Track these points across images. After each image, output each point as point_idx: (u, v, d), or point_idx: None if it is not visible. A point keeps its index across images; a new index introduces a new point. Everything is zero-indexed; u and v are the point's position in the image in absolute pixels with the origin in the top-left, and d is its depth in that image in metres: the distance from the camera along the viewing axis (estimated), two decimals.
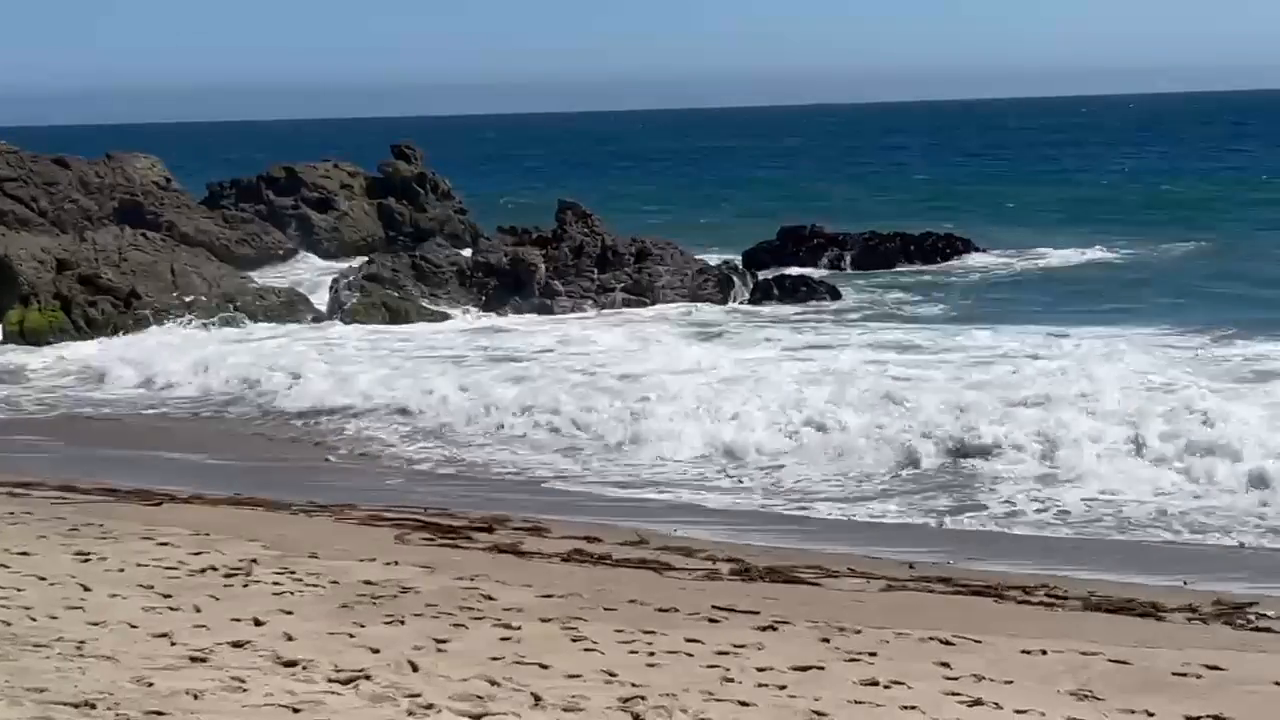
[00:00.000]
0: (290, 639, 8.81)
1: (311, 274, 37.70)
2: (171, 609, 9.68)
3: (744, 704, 7.79)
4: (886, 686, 8.32)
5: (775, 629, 9.84)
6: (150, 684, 7.45)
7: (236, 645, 8.53)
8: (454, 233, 41.78)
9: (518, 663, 8.47)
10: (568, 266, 32.06)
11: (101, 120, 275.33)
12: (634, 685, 8.01)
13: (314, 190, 43.23)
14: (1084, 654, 9.34)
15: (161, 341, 27.19)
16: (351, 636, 9.01)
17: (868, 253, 38.79)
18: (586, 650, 8.95)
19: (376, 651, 8.55)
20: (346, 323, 29.54)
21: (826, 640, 9.53)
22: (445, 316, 30.37)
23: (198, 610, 9.65)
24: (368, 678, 7.83)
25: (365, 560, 11.80)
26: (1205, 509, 14.74)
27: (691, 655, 8.92)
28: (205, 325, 28.96)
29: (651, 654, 8.90)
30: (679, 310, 30.83)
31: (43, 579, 10.47)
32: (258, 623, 9.26)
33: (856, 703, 7.98)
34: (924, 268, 37.91)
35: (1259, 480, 15.16)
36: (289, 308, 30.53)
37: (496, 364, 23.95)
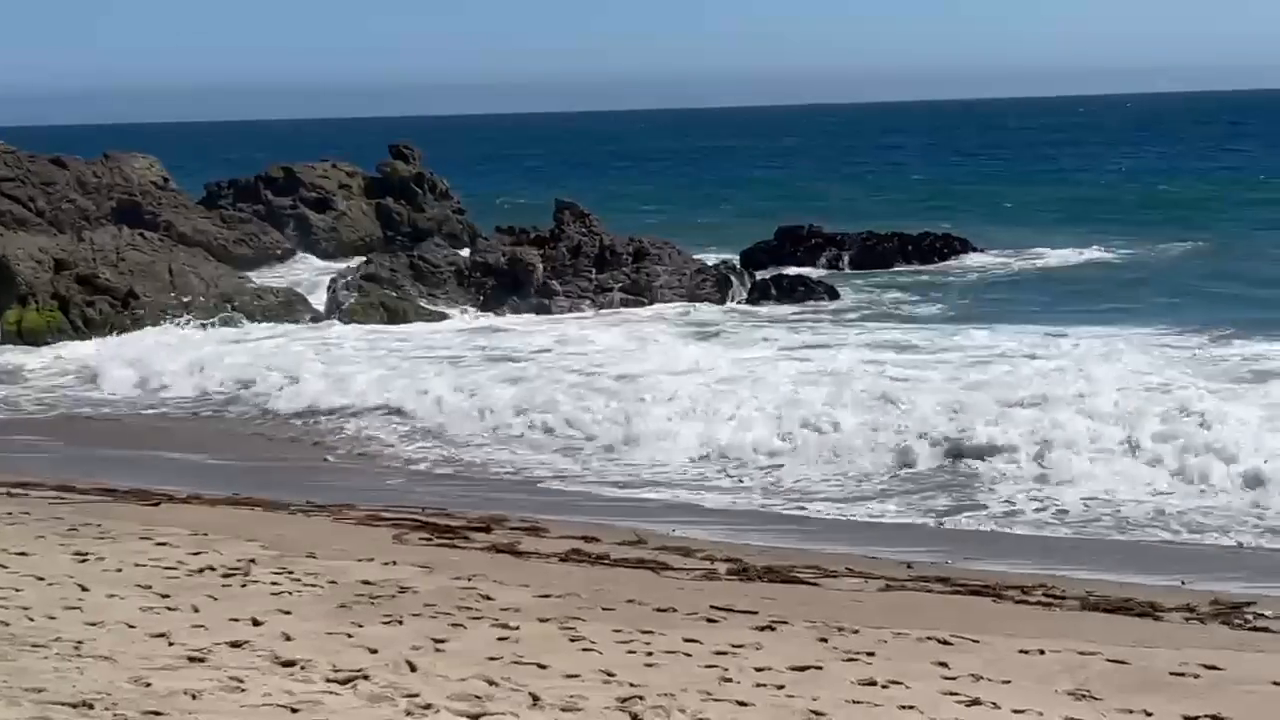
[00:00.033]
0: (288, 639, 8.81)
1: (309, 274, 37.68)
2: (169, 609, 9.68)
3: (742, 704, 7.80)
4: (884, 686, 8.32)
5: (773, 629, 9.84)
6: (148, 684, 7.45)
7: (234, 645, 8.53)
8: (452, 232, 41.76)
9: (516, 663, 8.47)
10: (565, 266, 32.06)
11: (101, 120, 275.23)
12: (632, 685, 8.01)
13: (312, 190, 43.21)
14: (1082, 654, 9.35)
15: (159, 341, 27.18)
16: (349, 636, 9.01)
17: (865, 253, 38.82)
18: (584, 650, 8.95)
19: (375, 651, 8.56)
20: (345, 323, 29.54)
21: (824, 640, 9.54)
22: (443, 316, 30.38)
23: (196, 610, 9.64)
24: (366, 678, 7.84)
25: (363, 560, 11.80)
26: (1203, 509, 14.76)
27: (689, 655, 8.92)
28: (203, 325, 28.97)
29: (649, 654, 8.90)
30: (677, 310, 30.84)
31: (41, 579, 10.46)
32: (256, 623, 9.26)
33: (854, 702, 7.98)
34: (922, 268, 37.93)
35: (1256, 480, 15.18)
36: (287, 308, 30.52)
37: (494, 364, 23.95)
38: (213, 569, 11.21)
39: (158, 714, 6.92)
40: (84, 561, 11.35)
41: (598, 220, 33.53)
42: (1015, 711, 7.95)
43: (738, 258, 37.12)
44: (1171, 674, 8.96)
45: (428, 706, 7.30)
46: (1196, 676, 8.92)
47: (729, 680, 8.29)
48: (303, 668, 8.01)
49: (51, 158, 38.97)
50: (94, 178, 39.23)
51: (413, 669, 8.17)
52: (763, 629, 9.82)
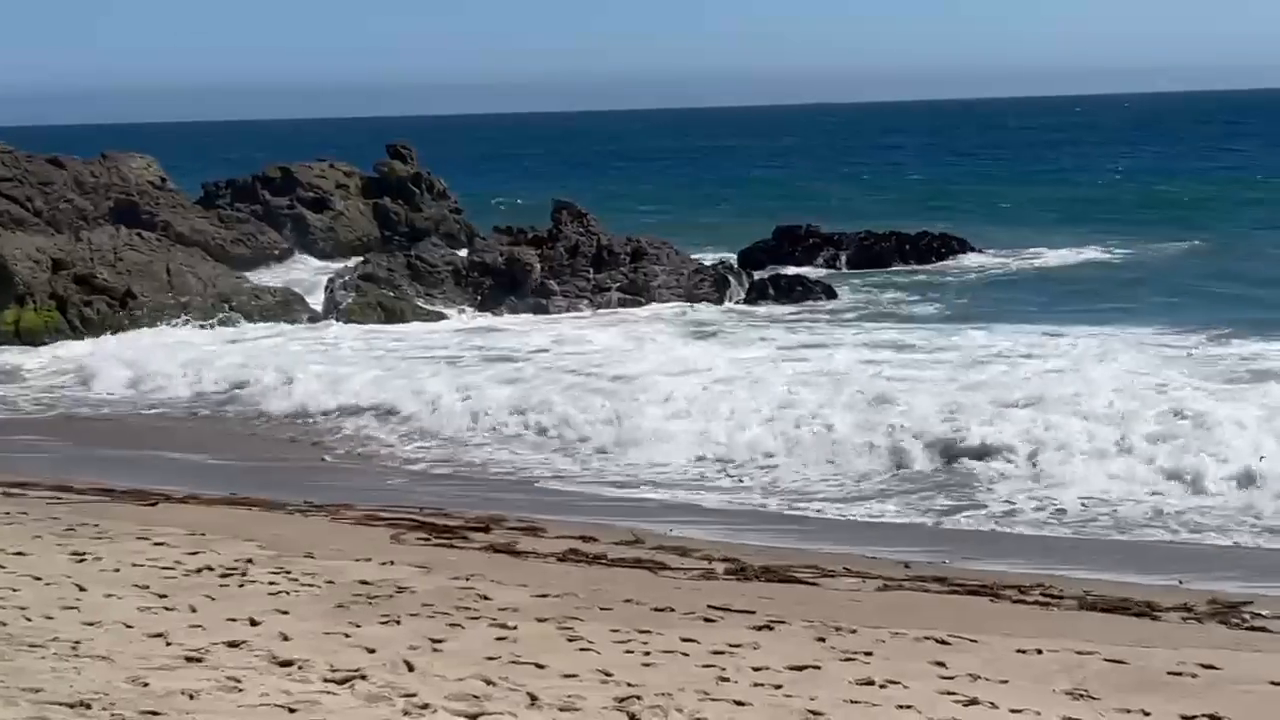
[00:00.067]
0: (286, 639, 8.81)
1: (307, 274, 37.68)
2: (167, 609, 9.68)
3: (740, 703, 7.80)
4: (882, 686, 8.32)
5: (771, 628, 9.84)
6: (146, 684, 7.45)
7: (232, 645, 8.53)
8: (449, 232, 41.76)
9: (514, 662, 8.47)
10: (563, 266, 32.06)
11: (101, 120, 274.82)
12: (630, 685, 8.01)
13: (309, 190, 43.19)
14: (1079, 653, 9.35)
15: (157, 341, 27.18)
16: (347, 636, 9.01)
17: (863, 252, 38.84)
18: (582, 650, 8.95)
19: (372, 651, 8.56)
20: (342, 322, 29.54)
21: (822, 640, 9.54)
22: (441, 316, 30.38)
23: (193, 610, 9.64)
24: (363, 677, 7.84)
25: (361, 560, 11.79)
26: (1201, 509, 14.76)
27: (687, 655, 8.92)
28: (201, 325, 28.96)
29: (647, 654, 8.90)
30: (674, 310, 30.85)
31: (38, 579, 10.46)
32: (253, 623, 9.26)
33: (852, 702, 7.98)
34: (919, 267, 37.94)
35: (1254, 480, 15.17)
36: (284, 307, 30.52)
37: (492, 364, 23.95)
38: (210, 569, 11.21)
39: (155, 714, 6.92)
40: (81, 561, 11.35)
41: (595, 220, 33.55)
42: (1013, 711, 7.96)
43: (735, 257, 37.13)
44: (1169, 673, 8.96)
45: (425, 706, 7.30)
46: (1194, 676, 8.92)
47: (726, 680, 8.29)
48: (300, 668, 8.01)
49: (49, 157, 38.94)
50: (91, 178, 39.20)
51: (410, 669, 8.17)
52: (760, 629, 9.82)
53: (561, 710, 7.47)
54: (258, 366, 24.00)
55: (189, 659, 8.13)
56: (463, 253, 34.74)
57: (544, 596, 10.68)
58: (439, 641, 8.96)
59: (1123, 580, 12.10)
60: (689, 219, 50.80)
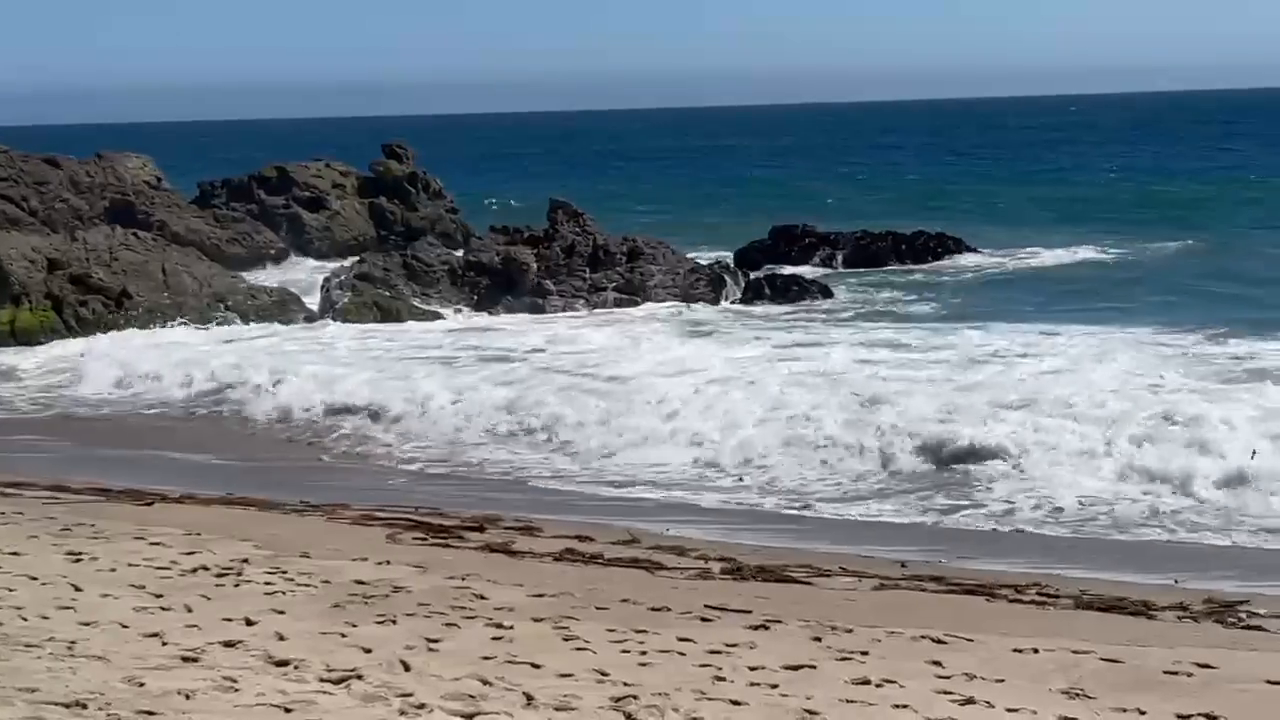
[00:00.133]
0: (282, 639, 8.81)
1: (303, 274, 37.68)
2: (163, 609, 9.68)
3: (736, 703, 7.80)
4: (878, 685, 8.32)
5: (767, 628, 9.84)
6: (142, 684, 7.45)
7: (228, 645, 8.53)
8: (445, 232, 41.77)
9: (510, 662, 8.46)
10: (559, 266, 32.06)
11: (101, 120, 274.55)
12: (626, 684, 8.01)
13: (305, 190, 43.19)
14: (1075, 652, 9.35)
15: (152, 341, 27.15)
16: (343, 636, 9.01)
17: (859, 252, 38.86)
18: (578, 649, 8.95)
19: (368, 651, 8.55)
20: (338, 322, 29.52)
21: (818, 639, 9.54)
22: (437, 316, 30.36)
23: (189, 610, 9.64)
24: (360, 677, 7.83)
25: (357, 560, 11.79)
26: (1196, 508, 14.77)
27: (683, 654, 8.92)
28: (197, 325, 28.94)
29: (643, 653, 8.90)
30: (670, 309, 30.85)
31: (34, 579, 10.46)
32: (249, 622, 9.25)
33: (848, 702, 7.99)
34: (915, 267, 37.96)
35: (1251, 479, 15.18)
36: (280, 307, 30.50)
37: (488, 364, 23.94)
38: (206, 569, 11.20)
39: (151, 714, 6.92)
40: (77, 561, 11.35)
41: (591, 220, 33.55)
42: (1009, 710, 7.96)
43: (732, 257, 37.14)
44: (1165, 673, 8.96)
45: (421, 706, 7.30)
46: (1190, 675, 8.92)
47: (723, 679, 8.29)
48: (296, 667, 8.01)
49: (45, 157, 38.96)
50: (87, 177, 39.21)
51: (406, 668, 8.17)
52: (756, 628, 9.82)
53: (558, 710, 7.47)
54: (252, 367, 23.95)
55: (185, 659, 8.12)
56: (459, 252, 34.73)
57: (540, 596, 10.67)
58: (435, 641, 8.96)
59: (1119, 579, 12.10)
60: (688, 219, 50.82)
